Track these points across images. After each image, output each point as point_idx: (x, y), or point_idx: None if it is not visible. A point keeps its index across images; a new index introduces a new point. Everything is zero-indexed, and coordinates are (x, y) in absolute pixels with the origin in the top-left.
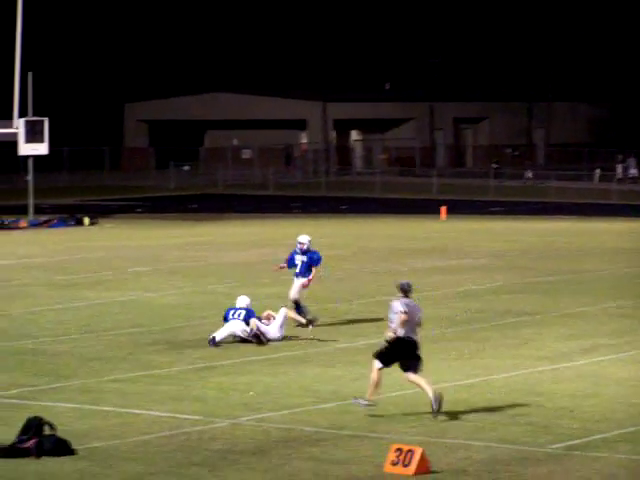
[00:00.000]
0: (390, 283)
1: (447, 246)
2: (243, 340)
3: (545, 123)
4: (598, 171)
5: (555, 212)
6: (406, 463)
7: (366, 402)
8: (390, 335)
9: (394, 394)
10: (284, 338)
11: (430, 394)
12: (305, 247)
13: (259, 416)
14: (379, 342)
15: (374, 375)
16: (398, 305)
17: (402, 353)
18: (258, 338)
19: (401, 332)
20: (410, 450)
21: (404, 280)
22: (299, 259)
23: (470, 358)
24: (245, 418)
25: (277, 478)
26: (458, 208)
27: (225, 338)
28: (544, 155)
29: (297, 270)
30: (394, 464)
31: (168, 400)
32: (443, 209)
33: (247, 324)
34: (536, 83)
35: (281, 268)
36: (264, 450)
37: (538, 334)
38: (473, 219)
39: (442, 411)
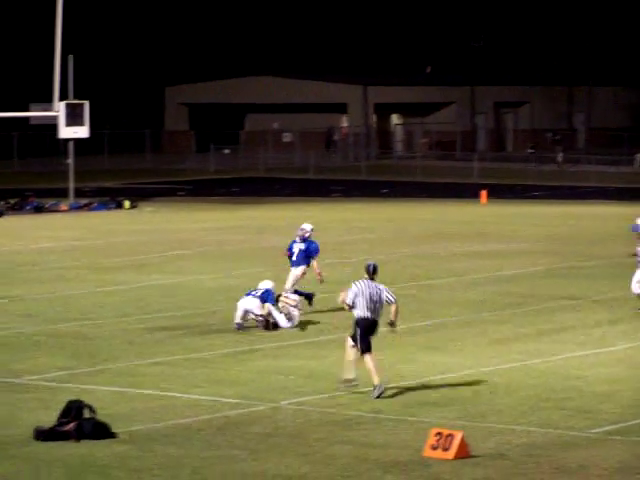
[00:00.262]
0: (431, 267)
1: (487, 230)
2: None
3: (585, 107)
4: (638, 156)
5: (595, 196)
6: (446, 447)
7: (349, 384)
8: (340, 301)
9: (435, 378)
10: (297, 325)
11: (375, 380)
12: (307, 235)
13: (299, 399)
14: (420, 325)
15: (349, 354)
16: (351, 287)
17: (368, 332)
18: (266, 323)
19: (348, 300)
20: (450, 434)
21: (371, 262)
22: (297, 247)
23: (510, 342)
24: (285, 402)
25: (317, 462)
26: (498, 192)
27: (244, 317)
28: (584, 139)
29: (294, 258)
30: (434, 448)
31: (208, 383)
32: (483, 193)
33: (262, 300)
34: (577, 67)
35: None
36: (304, 434)
37: (578, 319)
38: (513, 203)
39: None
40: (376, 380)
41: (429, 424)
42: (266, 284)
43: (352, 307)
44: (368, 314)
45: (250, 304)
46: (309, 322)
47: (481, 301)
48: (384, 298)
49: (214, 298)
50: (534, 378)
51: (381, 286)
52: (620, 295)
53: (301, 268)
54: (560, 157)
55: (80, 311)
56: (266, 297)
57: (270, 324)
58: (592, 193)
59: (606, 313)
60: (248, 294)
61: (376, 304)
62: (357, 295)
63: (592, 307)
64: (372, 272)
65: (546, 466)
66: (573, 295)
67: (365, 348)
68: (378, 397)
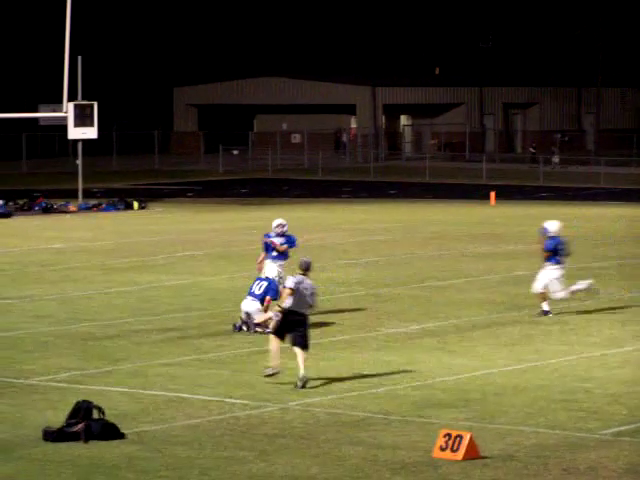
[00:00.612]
0: (441, 268)
1: (497, 231)
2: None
3: (594, 109)
4: None
5: (605, 198)
6: (455, 448)
7: (271, 370)
8: (276, 309)
9: (444, 379)
10: None
11: (300, 373)
12: (285, 229)
13: (308, 400)
14: (429, 327)
15: (272, 344)
16: (289, 280)
17: (290, 326)
18: (258, 326)
19: (287, 304)
20: (459, 435)
21: (305, 258)
22: (277, 241)
23: (519, 344)
24: (294, 403)
25: (326, 463)
26: (507, 193)
27: (248, 318)
28: (593, 141)
29: (274, 253)
30: (443, 449)
31: (217, 384)
32: (492, 194)
33: (262, 302)
34: (586, 69)
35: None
36: (313, 435)
37: (588, 320)
38: (523, 204)
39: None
40: (301, 372)
41: (438, 425)
42: (272, 270)
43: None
44: (296, 308)
45: (250, 307)
46: (317, 323)
47: (491, 302)
48: (311, 299)
49: (223, 299)
50: (543, 379)
51: (314, 286)
52: (629, 296)
53: (280, 262)
54: (556, 158)
55: (89, 312)
56: (266, 292)
57: (260, 329)
58: (601, 194)
59: (616, 314)
60: (250, 293)
61: (305, 299)
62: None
63: (602, 308)
64: (305, 269)
65: (555, 467)
66: (582, 296)
67: (295, 342)
68: (303, 387)
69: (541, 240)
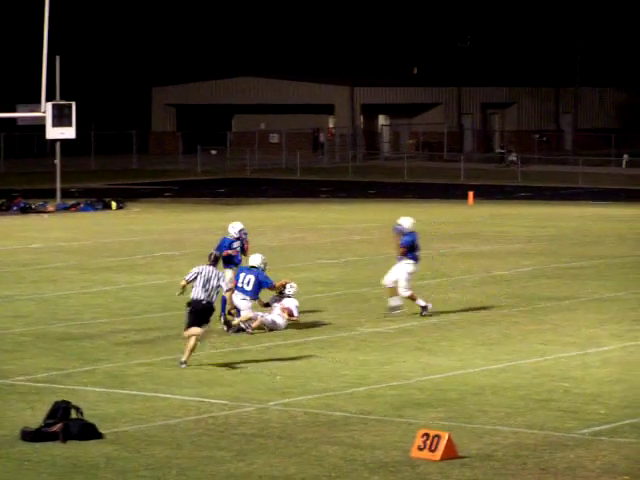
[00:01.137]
0: (420, 268)
1: (475, 231)
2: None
3: (573, 108)
4: (626, 156)
5: (583, 198)
6: (433, 448)
7: (184, 363)
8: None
9: (422, 379)
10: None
11: (184, 357)
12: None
13: (286, 400)
14: (407, 326)
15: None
16: (192, 270)
17: (198, 313)
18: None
19: (188, 276)
20: (437, 435)
21: (214, 251)
22: (238, 245)
23: (498, 343)
24: (272, 402)
25: (304, 462)
26: (486, 193)
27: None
28: (572, 140)
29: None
30: (421, 449)
31: (196, 384)
32: (471, 194)
33: (255, 296)
34: (564, 68)
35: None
36: (291, 434)
37: (566, 319)
38: (501, 204)
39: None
40: (185, 357)
41: (416, 425)
42: (255, 259)
43: (188, 283)
44: (201, 296)
45: (241, 304)
46: (296, 323)
47: (469, 302)
48: (219, 284)
49: None
50: (522, 379)
51: (220, 273)
52: (608, 296)
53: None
54: (514, 156)
55: (68, 312)
56: (259, 283)
57: (246, 329)
58: (580, 194)
59: (595, 314)
60: (238, 289)
61: (210, 289)
62: (197, 276)
63: (581, 308)
64: (213, 260)
65: (533, 467)
66: (562, 296)
67: (189, 325)
68: (183, 364)
69: (396, 237)
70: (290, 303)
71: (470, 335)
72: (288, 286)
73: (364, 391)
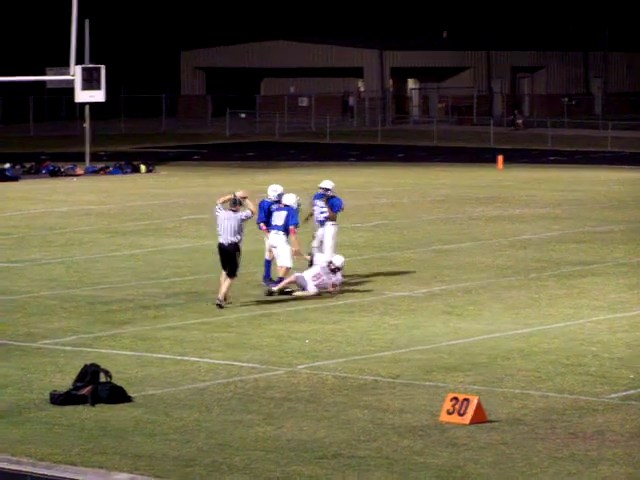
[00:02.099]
0: (448, 232)
1: (504, 195)
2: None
3: (602, 72)
4: None
5: (613, 162)
6: (462, 412)
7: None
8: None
9: (451, 343)
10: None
11: (219, 295)
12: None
13: (315, 364)
14: (436, 290)
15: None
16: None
17: (222, 256)
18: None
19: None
20: (466, 399)
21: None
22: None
23: (526, 307)
24: (301, 366)
25: (333, 426)
26: (515, 157)
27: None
28: (601, 105)
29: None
30: (450, 413)
31: (224, 348)
32: (500, 158)
33: (287, 232)
34: (593, 32)
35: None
36: (320, 398)
37: (594, 284)
38: (530, 168)
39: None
40: (220, 295)
41: (445, 389)
42: (289, 198)
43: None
44: (222, 240)
45: (276, 240)
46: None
47: (498, 266)
48: (240, 221)
49: None
50: (550, 343)
51: (239, 214)
52: (637, 260)
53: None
54: (520, 121)
55: (96, 275)
56: (287, 221)
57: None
58: (609, 158)
59: (623, 278)
60: (273, 226)
61: (231, 231)
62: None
63: (609, 272)
64: (231, 204)
65: (562, 431)
66: (590, 260)
67: (227, 271)
68: (218, 306)
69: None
70: (339, 278)
71: (498, 299)
72: (340, 260)
73: (393, 355)
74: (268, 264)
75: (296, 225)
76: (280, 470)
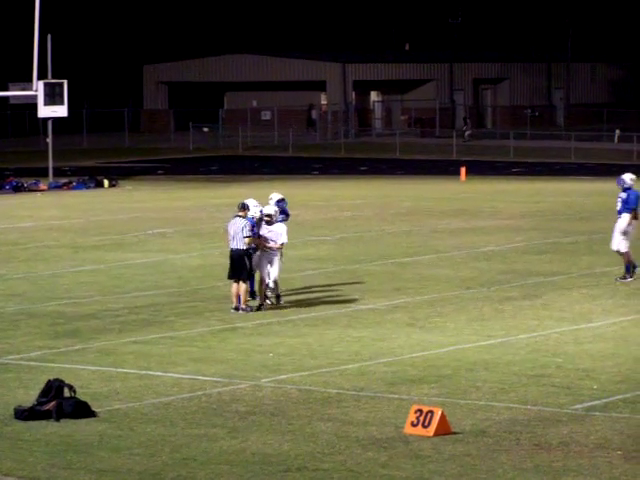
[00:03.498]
0: (411, 244)
1: (467, 207)
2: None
3: (565, 84)
4: (618, 131)
5: (575, 173)
6: (426, 424)
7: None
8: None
9: (415, 355)
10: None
11: (235, 301)
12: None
13: (280, 377)
14: (400, 303)
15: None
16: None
17: (232, 263)
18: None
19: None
20: (430, 411)
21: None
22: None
23: (490, 319)
24: (266, 379)
25: (297, 439)
26: (478, 169)
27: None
28: (563, 116)
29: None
30: (414, 425)
31: (189, 362)
32: (463, 170)
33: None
34: (555, 43)
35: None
36: (285, 411)
37: (559, 295)
38: (493, 180)
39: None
40: (234, 303)
41: (409, 401)
42: (269, 209)
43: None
44: (232, 246)
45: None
46: (288, 300)
47: (461, 278)
48: (242, 232)
49: (195, 276)
50: (515, 354)
51: (245, 222)
52: (601, 271)
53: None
54: (467, 133)
55: (60, 290)
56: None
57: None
58: (572, 170)
59: (587, 289)
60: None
61: (237, 238)
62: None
63: (573, 283)
64: (240, 209)
65: (526, 442)
66: (554, 271)
67: (230, 276)
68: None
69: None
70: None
71: (462, 311)
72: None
73: (357, 368)
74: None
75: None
76: None
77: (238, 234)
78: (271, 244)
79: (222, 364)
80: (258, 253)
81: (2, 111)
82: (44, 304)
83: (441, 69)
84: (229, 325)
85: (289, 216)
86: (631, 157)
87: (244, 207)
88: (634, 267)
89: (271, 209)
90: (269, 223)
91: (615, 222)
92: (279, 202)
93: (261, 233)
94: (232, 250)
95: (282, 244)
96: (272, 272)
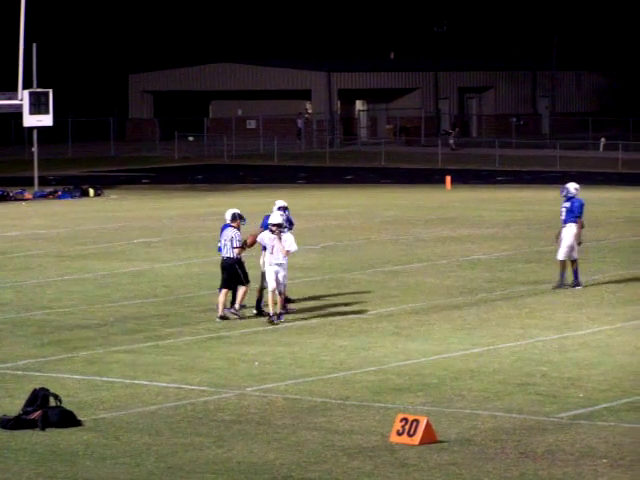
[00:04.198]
0: (397, 253)
1: (453, 216)
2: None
3: (550, 92)
4: (603, 140)
5: (560, 181)
6: (411, 433)
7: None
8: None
9: (400, 364)
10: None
11: (236, 305)
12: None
13: (265, 386)
14: (385, 311)
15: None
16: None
17: (223, 272)
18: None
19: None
20: (415, 420)
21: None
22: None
23: (476, 328)
24: (251, 388)
25: (283, 448)
26: (464, 178)
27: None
28: (549, 124)
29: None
30: (399, 434)
31: (174, 371)
32: (448, 179)
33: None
34: (540, 52)
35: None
36: (270, 420)
37: (544, 303)
38: (479, 189)
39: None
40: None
41: (395, 410)
42: (275, 217)
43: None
44: (224, 255)
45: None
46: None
47: (447, 287)
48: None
49: (181, 285)
50: (500, 363)
51: (236, 233)
52: (586, 280)
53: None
54: (452, 141)
55: (46, 300)
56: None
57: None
58: (558, 178)
59: (572, 297)
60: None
61: (229, 246)
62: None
63: (558, 291)
64: (230, 219)
65: (512, 451)
66: (539, 280)
67: (223, 285)
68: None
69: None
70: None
71: (448, 320)
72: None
73: (343, 377)
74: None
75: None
76: None
77: (227, 244)
78: (279, 249)
79: (208, 373)
80: (263, 261)
81: None
82: (30, 313)
83: (426, 78)
84: (215, 334)
85: (293, 225)
86: (616, 165)
87: (235, 217)
88: (563, 277)
89: (279, 218)
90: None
91: (560, 231)
92: (281, 209)
93: (266, 241)
94: (223, 259)
95: (288, 251)
96: (281, 280)
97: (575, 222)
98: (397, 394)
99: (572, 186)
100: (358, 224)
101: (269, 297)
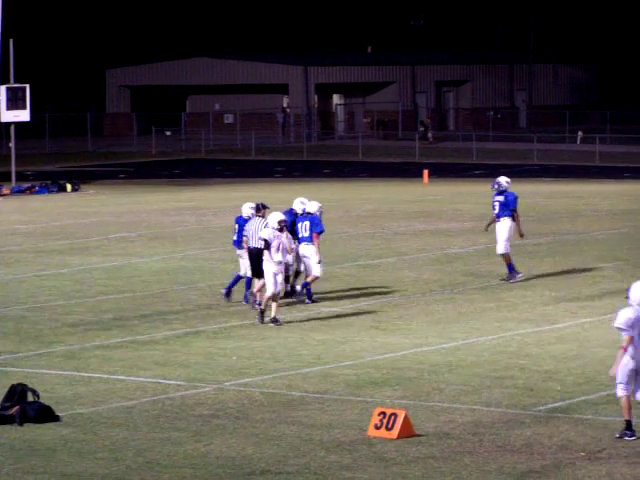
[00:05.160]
0: (374, 247)
1: (430, 210)
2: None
3: (527, 85)
4: (580, 133)
5: (538, 174)
6: (389, 427)
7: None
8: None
9: (378, 357)
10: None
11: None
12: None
13: (243, 381)
14: (363, 305)
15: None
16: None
17: (252, 261)
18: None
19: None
20: (393, 414)
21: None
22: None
23: (453, 321)
24: (229, 383)
25: (261, 442)
26: (441, 171)
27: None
28: (526, 117)
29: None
30: (377, 428)
31: (152, 366)
32: (426, 172)
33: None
34: (517, 45)
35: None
36: (248, 415)
37: (522, 297)
38: (456, 182)
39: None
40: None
41: (373, 404)
42: (312, 206)
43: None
44: (251, 245)
45: (307, 251)
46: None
47: (424, 280)
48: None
49: (158, 280)
50: (478, 356)
51: (260, 221)
52: (563, 273)
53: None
54: (430, 135)
55: (23, 295)
56: (311, 230)
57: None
58: (535, 171)
59: (550, 291)
60: (301, 239)
61: (254, 237)
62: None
63: (536, 285)
64: (256, 210)
65: (490, 444)
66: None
67: (253, 273)
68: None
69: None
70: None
71: (425, 313)
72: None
73: (321, 370)
74: (238, 279)
75: (319, 232)
76: None
77: (256, 234)
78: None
79: (185, 368)
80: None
81: None
82: (7, 308)
83: (403, 71)
84: (192, 329)
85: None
86: (593, 158)
87: (259, 208)
88: (510, 268)
89: (280, 215)
90: (281, 230)
91: (489, 223)
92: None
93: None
94: (250, 249)
95: (293, 248)
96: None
97: (510, 216)
98: (375, 388)
99: (504, 179)
100: (335, 218)
101: (271, 303)
